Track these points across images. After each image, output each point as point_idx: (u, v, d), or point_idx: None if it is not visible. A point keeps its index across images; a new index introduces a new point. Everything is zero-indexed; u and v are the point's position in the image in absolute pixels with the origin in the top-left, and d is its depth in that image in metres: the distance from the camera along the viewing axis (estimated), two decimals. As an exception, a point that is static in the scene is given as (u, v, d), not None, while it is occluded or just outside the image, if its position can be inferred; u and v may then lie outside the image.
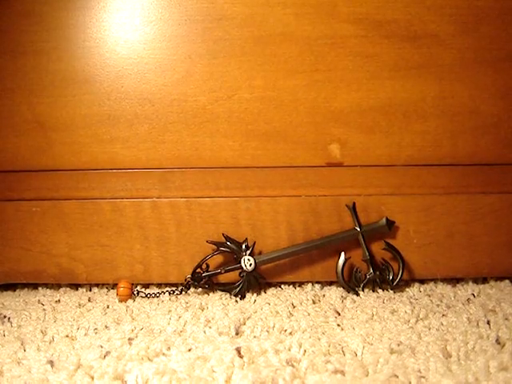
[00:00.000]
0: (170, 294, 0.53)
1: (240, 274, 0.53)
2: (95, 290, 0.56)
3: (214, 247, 0.53)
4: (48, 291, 0.55)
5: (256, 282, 0.53)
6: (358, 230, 0.53)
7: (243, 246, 0.53)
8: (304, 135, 0.55)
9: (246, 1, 0.54)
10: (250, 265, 0.52)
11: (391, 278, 0.53)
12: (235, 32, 0.54)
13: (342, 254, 0.53)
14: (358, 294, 0.52)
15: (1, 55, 0.55)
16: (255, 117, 0.55)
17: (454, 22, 0.53)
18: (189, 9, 0.55)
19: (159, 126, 0.55)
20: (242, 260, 0.52)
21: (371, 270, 0.53)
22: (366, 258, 0.53)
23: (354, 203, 0.54)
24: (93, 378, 0.32)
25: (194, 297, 0.52)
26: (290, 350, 0.36)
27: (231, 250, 0.53)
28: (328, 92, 0.54)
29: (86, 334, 0.42)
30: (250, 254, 0.53)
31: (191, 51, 0.55)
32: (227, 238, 0.53)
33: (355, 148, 0.55)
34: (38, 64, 0.55)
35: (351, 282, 0.53)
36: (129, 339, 0.39)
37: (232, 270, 0.53)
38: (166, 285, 0.56)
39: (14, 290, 0.57)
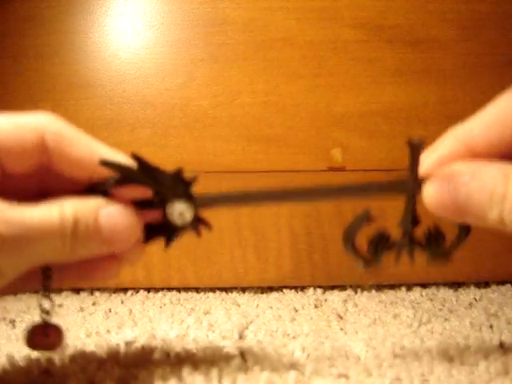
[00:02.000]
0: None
1: (162, 227, 0.29)
2: (97, 294, 0.56)
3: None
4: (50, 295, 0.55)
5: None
6: (412, 182, 0.29)
7: (172, 181, 0.28)
8: (306, 140, 0.55)
9: (247, 6, 0.54)
10: (182, 217, 0.28)
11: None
12: (237, 37, 0.55)
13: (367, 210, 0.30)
14: (371, 265, 0.30)
15: (3, 59, 0.55)
16: (257, 121, 0.55)
17: (456, 27, 0.54)
18: (191, 13, 0.55)
19: (161, 130, 0.55)
20: (169, 208, 0.28)
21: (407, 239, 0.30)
22: (408, 226, 0.30)
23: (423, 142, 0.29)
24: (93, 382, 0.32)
25: (197, 301, 0.52)
26: (293, 354, 0.36)
27: (147, 185, 0.28)
28: (330, 96, 0.55)
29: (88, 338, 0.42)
30: (186, 197, 0.28)
31: (193, 56, 0.55)
32: (140, 162, 0.27)
33: (357, 152, 0.55)
34: (40, 68, 0.55)
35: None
36: (131, 344, 0.39)
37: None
38: (168, 289, 0.56)
39: (16, 295, 0.56)
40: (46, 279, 0.29)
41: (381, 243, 0.30)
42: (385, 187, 0.30)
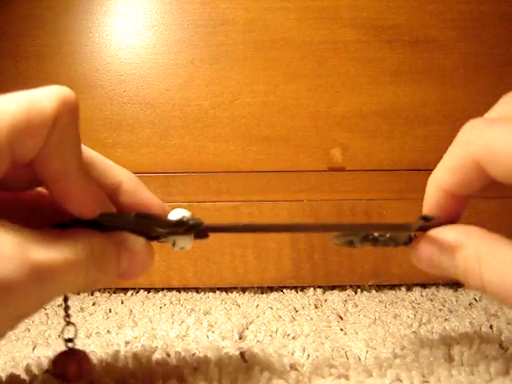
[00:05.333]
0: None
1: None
2: (97, 294, 0.56)
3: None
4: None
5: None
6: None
7: (173, 226, 0.27)
8: (306, 140, 0.55)
9: (248, 6, 0.54)
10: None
11: None
12: (237, 37, 0.55)
13: None
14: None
15: (3, 59, 0.55)
16: (257, 121, 0.55)
17: (456, 27, 0.54)
18: (191, 14, 0.55)
19: (161, 130, 0.55)
20: (169, 241, 0.28)
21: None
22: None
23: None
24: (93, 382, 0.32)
25: (197, 301, 0.52)
26: (293, 354, 0.36)
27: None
28: (330, 97, 0.55)
29: (88, 338, 0.42)
30: (187, 233, 0.28)
31: (193, 56, 0.55)
32: (141, 218, 0.27)
33: (357, 153, 0.55)
34: (40, 68, 0.55)
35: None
36: (131, 344, 0.39)
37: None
38: (168, 289, 0.56)
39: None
40: (65, 308, 0.29)
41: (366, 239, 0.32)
42: (385, 227, 0.33)
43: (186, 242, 0.28)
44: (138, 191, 0.28)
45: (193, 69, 0.55)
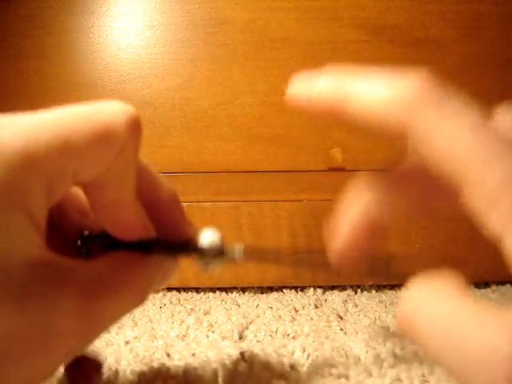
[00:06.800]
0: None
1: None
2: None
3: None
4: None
5: None
6: None
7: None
8: (306, 140, 0.55)
9: (248, 6, 0.54)
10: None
11: None
12: (237, 37, 0.55)
13: None
14: None
15: (3, 59, 0.55)
16: (257, 121, 0.55)
17: (456, 27, 0.54)
18: (191, 13, 0.55)
19: (161, 130, 0.55)
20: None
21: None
22: None
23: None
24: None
25: (197, 301, 0.52)
26: (293, 354, 0.36)
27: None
28: (330, 97, 0.55)
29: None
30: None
31: (193, 56, 0.55)
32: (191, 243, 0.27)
33: (357, 152, 0.55)
34: (40, 68, 0.55)
35: None
36: (131, 344, 0.39)
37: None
38: (168, 289, 0.56)
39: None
40: None
41: None
42: None
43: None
44: (174, 214, 0.27)
45: (193, 69, 0.55)
